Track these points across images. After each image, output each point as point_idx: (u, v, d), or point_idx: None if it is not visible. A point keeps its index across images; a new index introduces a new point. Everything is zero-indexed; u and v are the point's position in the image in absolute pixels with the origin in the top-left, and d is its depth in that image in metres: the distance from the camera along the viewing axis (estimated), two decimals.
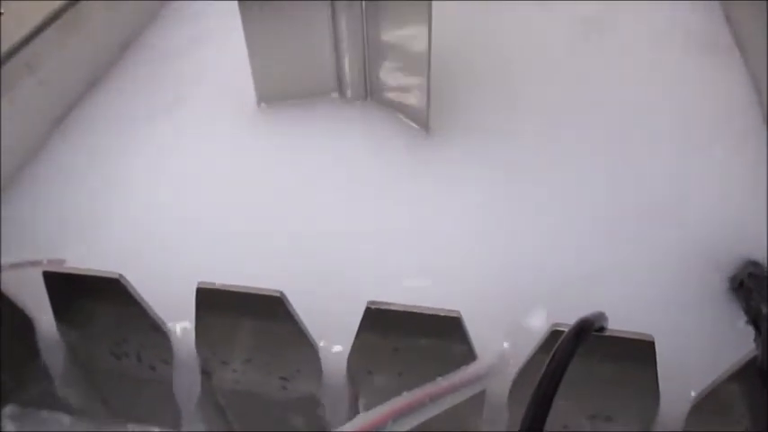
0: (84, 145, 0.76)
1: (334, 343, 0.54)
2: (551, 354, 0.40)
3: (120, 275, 0.51)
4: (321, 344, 0.53)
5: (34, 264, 0.59)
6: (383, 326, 0.48)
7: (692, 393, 0.49)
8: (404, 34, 0.70)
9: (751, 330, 0.50)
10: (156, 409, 0.62)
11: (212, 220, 0.66)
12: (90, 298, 0.53)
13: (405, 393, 0.42)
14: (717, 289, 0.56)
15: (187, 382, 0.59)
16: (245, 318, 0.51)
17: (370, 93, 0.77)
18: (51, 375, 0.61)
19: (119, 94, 0.83)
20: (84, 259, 0.62)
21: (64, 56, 0.77)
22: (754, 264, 0.55)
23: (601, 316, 0.44)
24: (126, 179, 0.71)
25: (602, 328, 0.44)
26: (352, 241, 0.63)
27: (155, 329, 0.54)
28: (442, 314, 0.47)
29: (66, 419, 0.64)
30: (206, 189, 0.70)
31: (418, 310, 0.47)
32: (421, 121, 0.73)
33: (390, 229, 0.64)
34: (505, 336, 0.53)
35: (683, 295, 0.56)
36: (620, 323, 0.45)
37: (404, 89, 0.74)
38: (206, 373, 0.57)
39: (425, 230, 0.64)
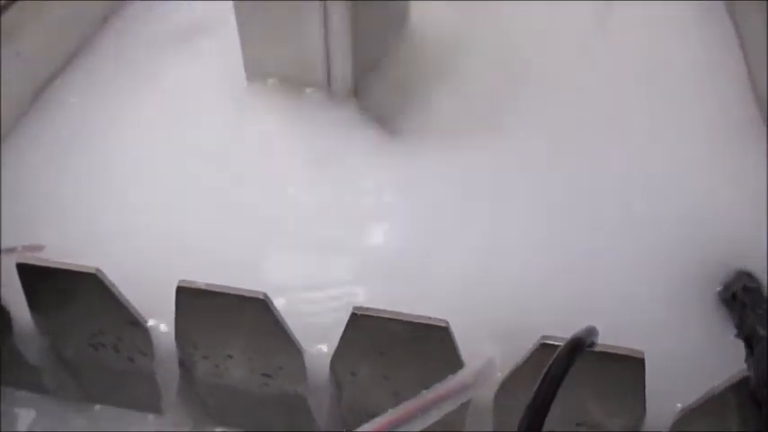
0: (65, 120, 0.73)
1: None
2: (543, 372, 0.39)
3: (98, 269, 0.49)
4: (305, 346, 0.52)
5: (8, 251, 0.57)
6: (369, 331, 0.47)
7: (678, 406, 0.49)
8: None
9: (740, 343, 0.49)
10: (135, 393, 0.61)
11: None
12: (66, 290, 0.51)
13: (390, 410, 0.41)
14: (708, 299, 0.55)
15: (167, 372, 0.58)
16: (227, 318, 0.50)
17: None
18: (27, 361, 0.60)
19: (102, 64, 0.80)
20: (63, 242, 0.61)
21: (43, 26, 0.73)
22: (749, 275, 0.54)
23: (592, 331, 0.43)
24: (109, 158, 0.69)
25: (592, 344, 0.43)
26: None
27: (133, 324, 0.53)
28: (430, 322, 0.46)
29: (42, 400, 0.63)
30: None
31: (405, 318, 0.46)
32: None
33: None
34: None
35: (674, 304, 0.55)
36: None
37: None
38: (186, 366, 0.56)
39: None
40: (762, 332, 0.44)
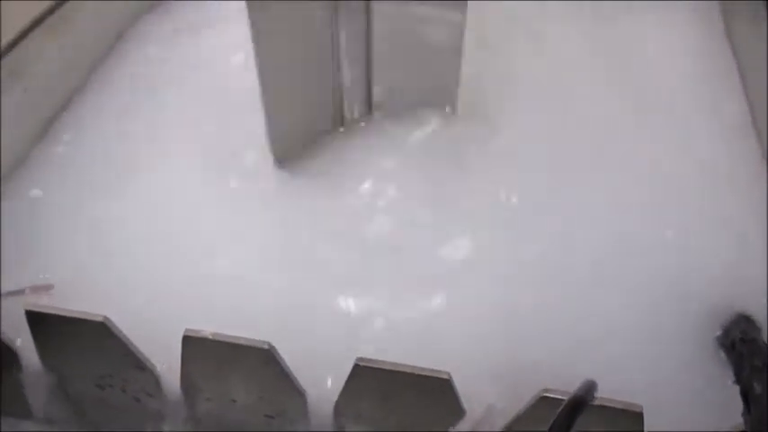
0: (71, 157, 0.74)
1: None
2: None
3: (105, 318, 0.50)
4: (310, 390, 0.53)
5: (16, 293, 0.58)
6: (372, 381, 0.48)
7: None
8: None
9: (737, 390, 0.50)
10: (140, 428, 0.62)
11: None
12: (73, 337, 0.52)
13: None
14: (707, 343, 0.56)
15: (172, 410, 0.58)
16: (232, 366, 0.50)
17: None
18: (35, 396, 0.61)
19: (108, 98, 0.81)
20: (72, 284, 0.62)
21: (48, 62, 0.74)
22: (747, 319, 0.55)
23: (591, 387, 0.44)
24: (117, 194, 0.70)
25: (592, 399, 0.44)
26: None
27: (140, 368, 0.53)
28: (432, 375, 0.46)
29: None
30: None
31: (408, 370, 0.47)
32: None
33: None
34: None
35: (671, 347, 0.56)
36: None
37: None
38: (191, 405, 0.57)
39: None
40: (758, 389, 0.45)
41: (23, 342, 0.56)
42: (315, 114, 0.74)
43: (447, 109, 0.77)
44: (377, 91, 0.74)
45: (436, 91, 0.76)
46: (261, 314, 0.60)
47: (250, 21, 0.61)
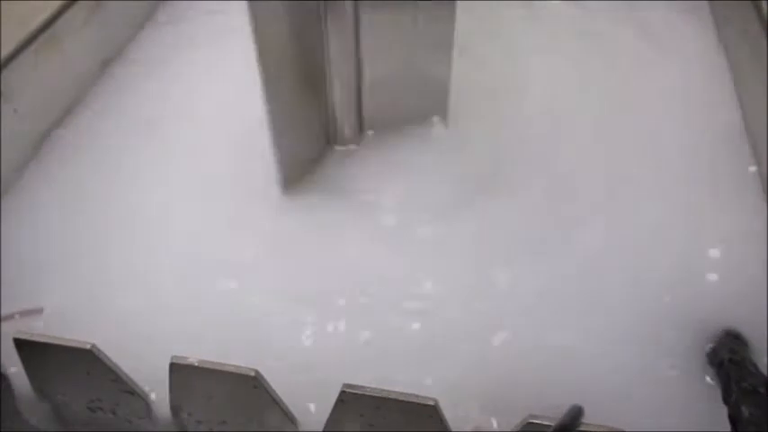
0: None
1: None
2: None
3: (93, 345, 0.50)
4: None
5: (7, 318, 0.58)
6: (358, 407, 0.48)
7: None
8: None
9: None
10: None
11: None
12: (62, 363, 0.52)
13: None
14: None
15: (164, 430, 0.59)
16: (220, 393, 0.50)
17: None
18: (28, 421, 0.61)
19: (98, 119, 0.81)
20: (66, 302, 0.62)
21: (39, 83, 0.74)
22: (735, 337, 0.54)
23: (578, 412, 0.44)
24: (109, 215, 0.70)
25: (578, 425, 0.44)
26: None
27: (130, 393, 0.54)
28: (418, 401, 0.46)
29: None
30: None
31: (394, 396, 0.47)
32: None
33: None
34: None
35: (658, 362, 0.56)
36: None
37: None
38: (182, 426, 0.57)
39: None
40: (746, 413, 0.45)
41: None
42: (313, 136, 0.74)
43: (436, 119, 0.77)
44: (368, 108, 0.74)
45: (427, 102, 0.76)
46: (256, 337, 0.60)
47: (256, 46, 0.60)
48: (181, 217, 0.70)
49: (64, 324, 0.60)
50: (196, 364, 0.49)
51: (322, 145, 0.75)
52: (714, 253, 0.64)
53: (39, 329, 0.59)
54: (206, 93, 0.83)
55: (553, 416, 0.45)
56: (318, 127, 0.73)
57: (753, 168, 0.72)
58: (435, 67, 0.72)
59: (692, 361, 0.56)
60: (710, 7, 0.95)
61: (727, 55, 0.87)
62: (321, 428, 0.51)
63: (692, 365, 0.56)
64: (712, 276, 0.62)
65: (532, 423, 0.45)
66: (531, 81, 0.84)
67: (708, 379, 0.54)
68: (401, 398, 0.46)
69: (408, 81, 0.72)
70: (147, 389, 0.55)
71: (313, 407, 0.54)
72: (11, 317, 0.58)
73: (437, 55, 0.71)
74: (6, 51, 0.69)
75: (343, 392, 0.47)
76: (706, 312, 0.59)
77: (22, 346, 0.52)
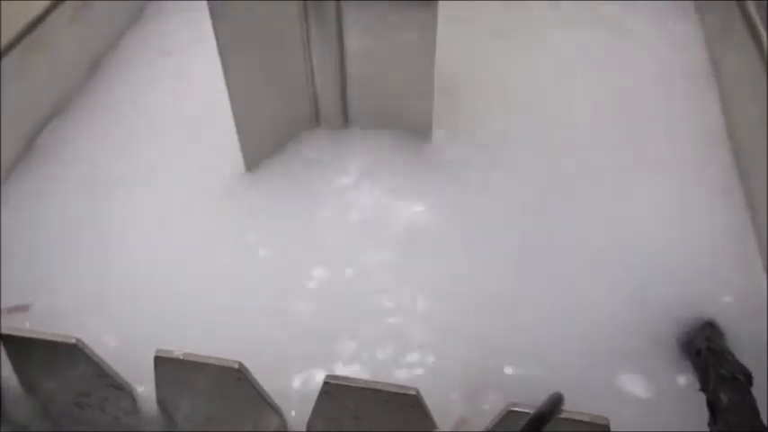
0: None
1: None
2: None
3: (78, 340, 0.50)
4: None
5: None
6: (342, 399, 0.48)
7: None
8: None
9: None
10: None
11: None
12: (49, 359, 0.53)
13: None
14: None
15: (152, 427, 0.59)
16: (205, 385, 0.51)
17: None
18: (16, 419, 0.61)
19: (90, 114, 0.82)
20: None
21: (26, 83, 0.74)
22: (711, 325, 0.55)
23: (558, 400, 0.44)
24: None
25: (558, 412, 0.44)
26: None
27: (116, 388, 0.54)
28: (400, 391, 0.47)
29: None
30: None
31: (376, 387, 0.47)
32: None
33: None
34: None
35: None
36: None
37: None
38: (170, 421, 0.57)
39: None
40: (724, 399, 0.45)
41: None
42: (287, 124, 0.75)
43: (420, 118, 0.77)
44: (352, 101, 0.75)
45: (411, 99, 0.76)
46: (240, 329, 0.60)
47: (215, 31, 0.62)
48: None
49: (50, 320, 0.60)
50: (181, 358, 0.49)
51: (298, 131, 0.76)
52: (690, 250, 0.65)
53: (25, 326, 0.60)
54: (196, 87, 0.84)
55: (533, 404, 0.45)
56: (294, 115, 0.74)
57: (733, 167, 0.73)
58: (419, 59, 0.72)
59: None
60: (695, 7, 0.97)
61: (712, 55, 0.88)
62: (306, 419, 0.51)
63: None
64: (690, 268, 0.62)
65: (513, 411, 0.46)
66: (513, 78, 0.85)
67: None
68: (384, 388, 0.47)
69: (393, 73, 0.73)
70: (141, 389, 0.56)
71: None
72: None
73: (420, 47, 0.71)
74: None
75: (326, 383, 0.48)
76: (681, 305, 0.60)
77: (9, 342, 0.52)
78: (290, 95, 0.73)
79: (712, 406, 0.46)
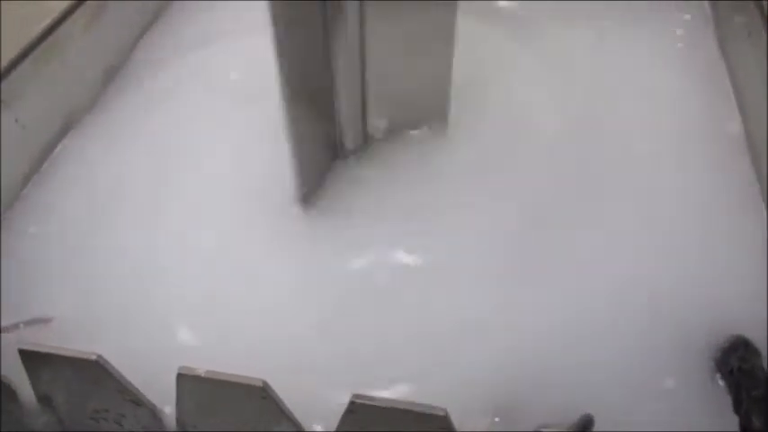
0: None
1: None
2: None
3: (99, 356, 0.50)
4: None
5: (12, 327, 0.58)
6: (367, 418, 0.48)
7: None
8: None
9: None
10: None
11: None
12: (67, 374, 0.52)
13: None
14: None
15: None
16: (228, 404, 0.50)
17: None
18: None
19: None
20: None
21: (42, 91, 0.74)
22: (745, 344, 0.54)
23: (589, 422, 0.44)
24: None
25: None
26: None
27: (136, 403, 0.53)
28: (428, 411, 0.46)
29: None
30: None
31: (403, 407, 0.46)
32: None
33: None
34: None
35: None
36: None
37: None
38: None
39: None
40: (757, 423, 0.44)
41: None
42: (322, 147, 0.73)
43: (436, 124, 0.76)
44: (372, 115, 0.74)
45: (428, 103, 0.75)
46: (267, 348, 0.60)
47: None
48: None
49: (72, 335, 0.60)
50: (203, 375, 0.48)
51: (328, 155, 0.75)
52: (714, 261, 0.64)
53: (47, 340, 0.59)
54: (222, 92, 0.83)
55: (563, 424, 0.45)
56: (325, 136, 0.73)
57: (752, 175, 0.72)
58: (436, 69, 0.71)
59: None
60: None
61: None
62: None
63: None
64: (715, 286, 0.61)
65: None
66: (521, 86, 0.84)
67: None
68: (411, 408, 0.46)
69: (412, 81, 0.72)
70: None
71: None
72: (15, 327, 0.58)
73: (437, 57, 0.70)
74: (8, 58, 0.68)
75: (352, 403, 0.47)
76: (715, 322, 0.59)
77: (27, 357, 0.51)
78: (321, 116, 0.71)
79: (745, 429, 0.46)
